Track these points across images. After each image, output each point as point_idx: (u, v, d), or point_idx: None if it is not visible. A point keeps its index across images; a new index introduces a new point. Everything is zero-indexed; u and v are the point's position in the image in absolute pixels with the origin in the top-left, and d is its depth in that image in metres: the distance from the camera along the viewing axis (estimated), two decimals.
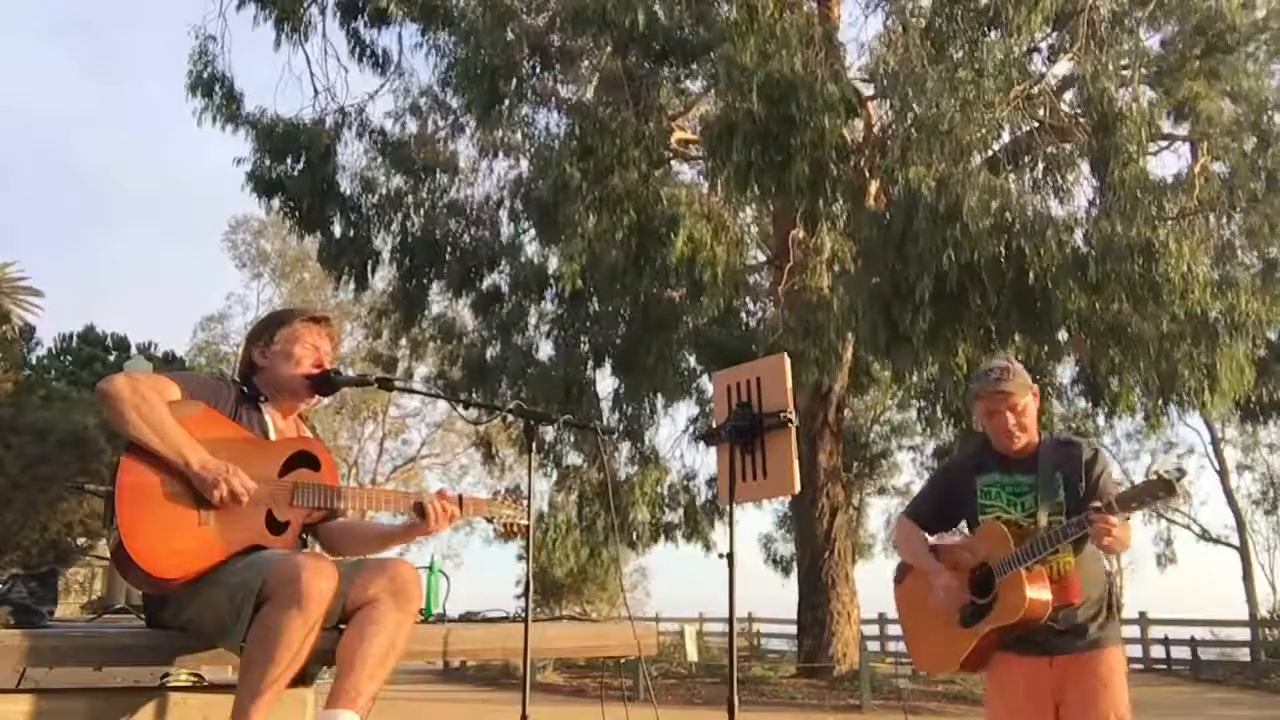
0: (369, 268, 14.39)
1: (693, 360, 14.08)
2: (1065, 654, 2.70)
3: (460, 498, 2.65)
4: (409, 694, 11.69)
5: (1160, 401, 10.98)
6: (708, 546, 15.34)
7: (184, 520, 2.23)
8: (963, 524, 3.00)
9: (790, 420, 2.75)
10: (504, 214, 14.85)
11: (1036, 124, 10.95)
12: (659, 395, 13.99)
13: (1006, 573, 2.69)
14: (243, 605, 2.13)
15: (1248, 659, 16.75)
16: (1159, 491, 2.50)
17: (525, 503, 2.74)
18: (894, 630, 20.43)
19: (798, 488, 2.78)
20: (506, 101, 12.93)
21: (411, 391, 28.14)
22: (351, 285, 14.72)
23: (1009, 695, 2.79)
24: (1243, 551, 25.97)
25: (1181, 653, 17.29)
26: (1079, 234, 10.09)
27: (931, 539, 3.02)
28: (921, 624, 2.98)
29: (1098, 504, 2.56)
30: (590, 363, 14.12)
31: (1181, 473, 2.58)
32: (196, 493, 2.24)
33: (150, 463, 2.22)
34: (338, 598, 2.23)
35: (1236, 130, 10.49)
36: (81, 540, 18.53)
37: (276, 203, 14.10)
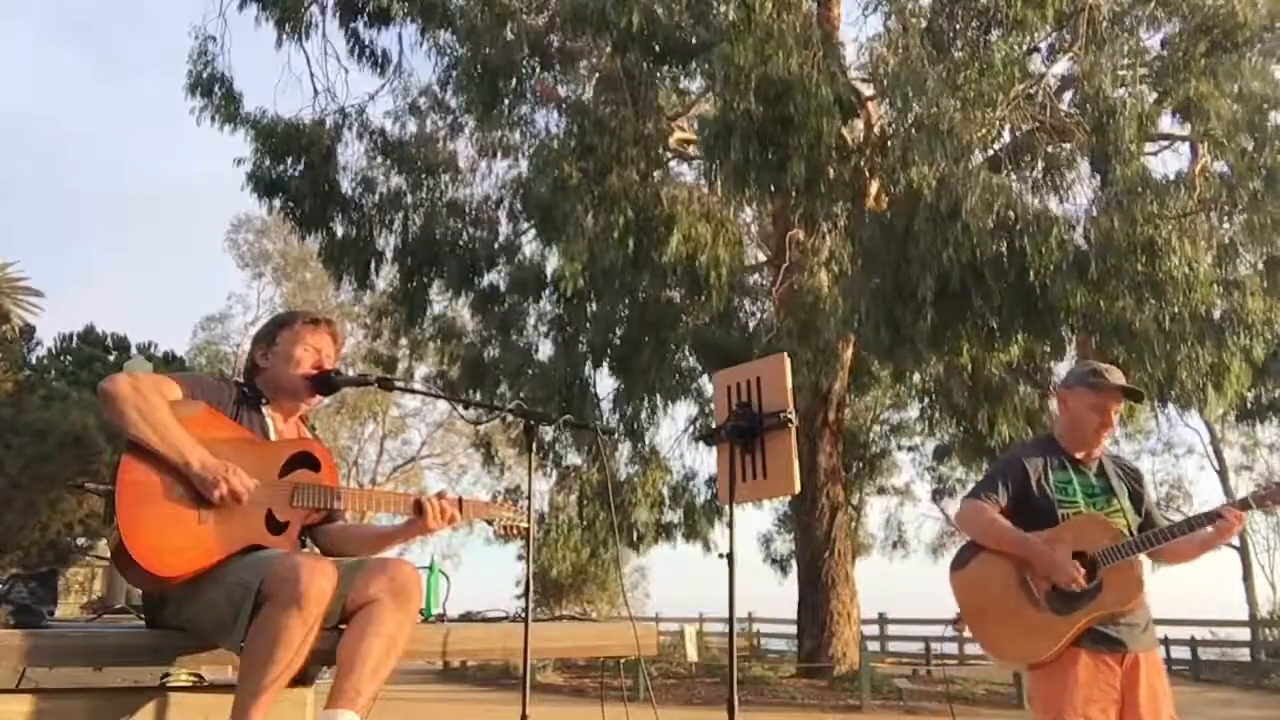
0: (370, 267, 14.41)
1: (692, 360, 14.08)
2: (1138, 650, 2.76)
3: (460, 500, 2.65)
4: (409, 694, 11.69)
5: (1163, 402, 10.97)
6: (707, 546, 15.35)
7: (183, 519, 2.23)
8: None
9: (790, 420, 2.75)
10: (503, 214, 14.89)
11: (1037, 124, 10.95)
12: (658, 395, 13.99)
13: (1112, 561, 2.74)
14: (241, 605, 2.13)
15: (1248, 659, 16.76)
16: None
17: (525, 506, 2.74)
18: (894, 630, 20.41)
19: (798, 488, 2.77)
20: (506, 101, 12.94)
21: (411, 391, 28.16)
22: (353, 285, 14.74)
23: (1079, 690, 2.71)
24: (1243, 552, 25.96)
25: (1181, 653, 17.27)
26: (1080, 232, 10.09)
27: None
28: (995, 612, 2.89)
29: (1243, 498, 2.75)
30: (590, 363, 14.12)
31: None
32: (196, 492, 2.24)
33: (151, 462, 2.23)
34: (337, 598, 2.23)
35: (1234, 130, 10.48)
36: (81, 540, 18.52)
37: (277, 203, 14.13)
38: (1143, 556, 2.81)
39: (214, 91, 13.66)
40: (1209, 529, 2.74)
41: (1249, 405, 12.71)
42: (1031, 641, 2.77)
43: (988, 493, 3.02)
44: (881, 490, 22.61)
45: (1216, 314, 9.83)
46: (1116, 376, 2.92)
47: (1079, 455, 2.91)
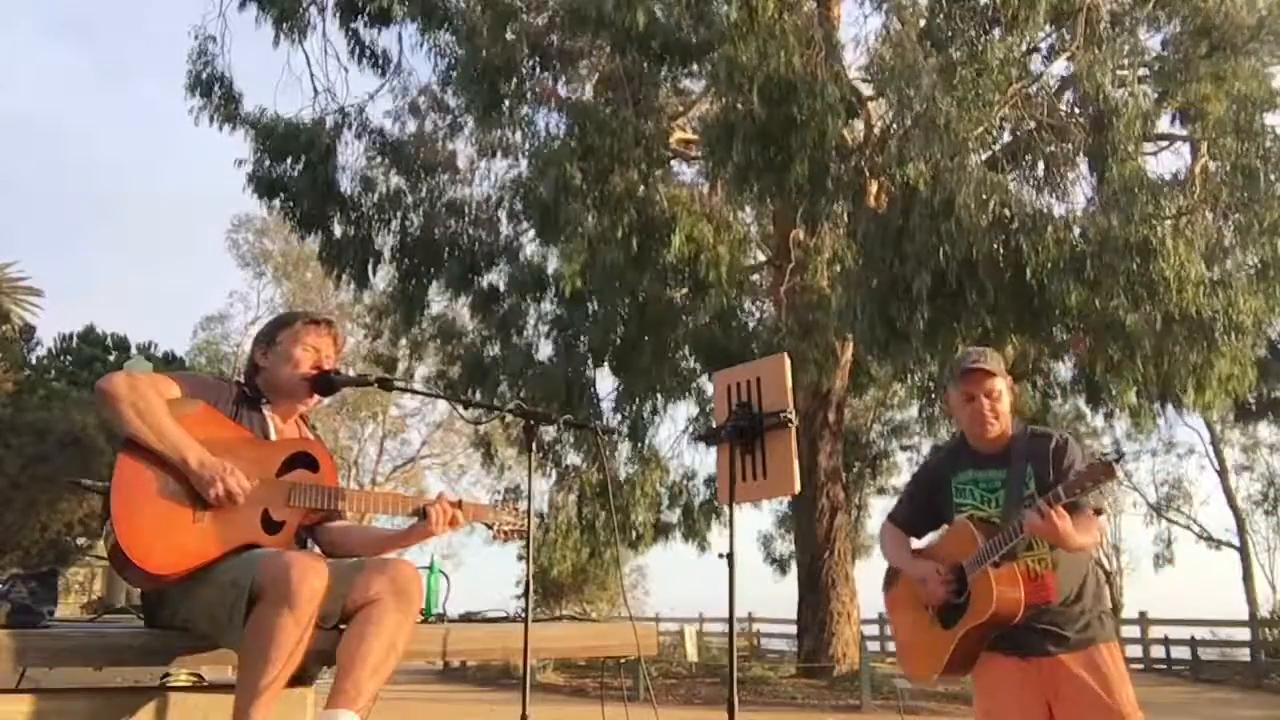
0: (369, 267, 14.40)
1: (692, 360, 14.07)
2: (1052, 655, 2.61)
3: (460, 503, 2.65)
4: (409, 694, 11.68)
5: (1159, 402, 10.96)
6: (703, 547, 15.34)
7: (179, 517, 2.23)
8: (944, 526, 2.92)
9: (790, 420, 2.74)
10: (503, 214, 14.87)
11: (1035, 123, 10.95)
12: (658, 395, 13.98)
13: (974, 571, 2.63)
14: (235, 603, 2.13)
15: (1248, 659, 16.74)
16: (1100, 476, 2.42)
17: (524, 508, 2.74)
18: None
19: (798, 488, 2.76)
20: (506, 101, 12.93)
21: (411, 391, 28.10)
22: (352, 285, 14.73)
23: (997, 697, 2.71)
24: (1243, 552, 25.93)
25: (1181, 653, 17.27)
26: (1076, 231, 10.08)
27: (917, 543, 2.96)
28: (909, 629, 2.91)
29: (1054, 491, 2.48)
30: (590, 362, 14.11)
31: (1120, 454, 2.58)
32: (193, 490, 2.24)
33: (147, 460, 2.23)
34: (337, 598, 2.23)
35: (1224, 130, 10.47)
36: (81, 540, 18.54)
37: (277, 203, 14.12)
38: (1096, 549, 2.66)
39: (214, 91, 13.66)
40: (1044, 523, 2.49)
41: (1248, 405, 12.69)
42: (928, 658, 2.79)
43: (894, 511, 3.06)
44: (881, 491, 22.60)
45: (1207, 314, 9.78)
46: (971, 359, 2.79)
47: (981, 449, 2.78)
